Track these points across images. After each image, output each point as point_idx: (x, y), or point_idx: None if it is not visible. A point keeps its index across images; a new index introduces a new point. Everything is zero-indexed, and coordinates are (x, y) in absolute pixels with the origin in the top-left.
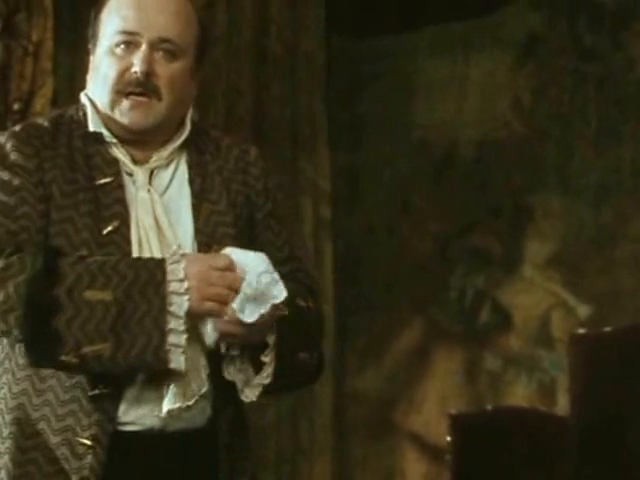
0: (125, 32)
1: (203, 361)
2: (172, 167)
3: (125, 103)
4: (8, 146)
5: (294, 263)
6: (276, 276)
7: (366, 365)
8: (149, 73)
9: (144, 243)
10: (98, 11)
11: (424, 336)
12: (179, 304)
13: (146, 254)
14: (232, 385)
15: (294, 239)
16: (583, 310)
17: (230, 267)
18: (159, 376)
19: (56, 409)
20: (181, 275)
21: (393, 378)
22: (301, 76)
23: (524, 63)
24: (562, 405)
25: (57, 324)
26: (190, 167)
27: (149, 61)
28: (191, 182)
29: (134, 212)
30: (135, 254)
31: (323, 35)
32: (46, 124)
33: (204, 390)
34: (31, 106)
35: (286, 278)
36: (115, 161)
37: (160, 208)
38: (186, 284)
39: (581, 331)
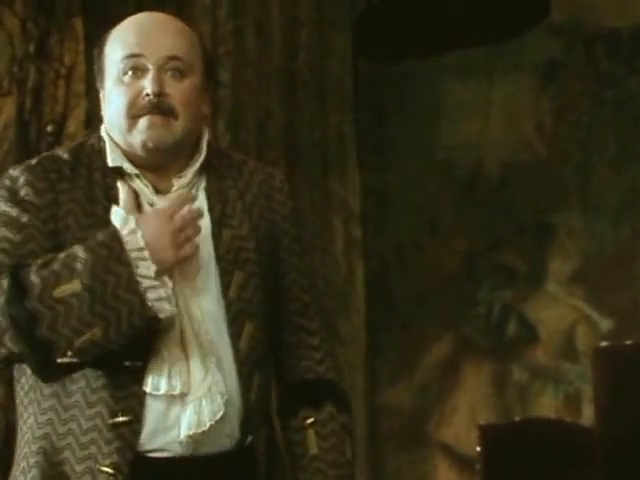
0: (131, 56)
1: (222, 387)
2: (191, 194)
3: (142, 122)
4: (21, 180)
5: (315, 317)
6: None
7: (398, 379)
8: (161, 94)
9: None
10: (101, 46)
11: (453, 350)
12: (146, 266)
13: (165, 283)
14: (263, 407)
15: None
16: (605, 324)
17: (180, 207)
18: (178, 403)
19: (79, 437)
20: (140, 244)
21: (424, 391)
22: (330, 99)
23: (545, 87)
24: (587, 416)
25: (42, 333)
26: (209, 194)
27: (159, 82)
28: (210, 209)
29: None
30: None
31: (350, 60)
32: (66, 156)
33: (220, 415)
34: (65, 128)
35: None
36: (134, 195)
37: None
38: (146, 253)
39: (604, 344)
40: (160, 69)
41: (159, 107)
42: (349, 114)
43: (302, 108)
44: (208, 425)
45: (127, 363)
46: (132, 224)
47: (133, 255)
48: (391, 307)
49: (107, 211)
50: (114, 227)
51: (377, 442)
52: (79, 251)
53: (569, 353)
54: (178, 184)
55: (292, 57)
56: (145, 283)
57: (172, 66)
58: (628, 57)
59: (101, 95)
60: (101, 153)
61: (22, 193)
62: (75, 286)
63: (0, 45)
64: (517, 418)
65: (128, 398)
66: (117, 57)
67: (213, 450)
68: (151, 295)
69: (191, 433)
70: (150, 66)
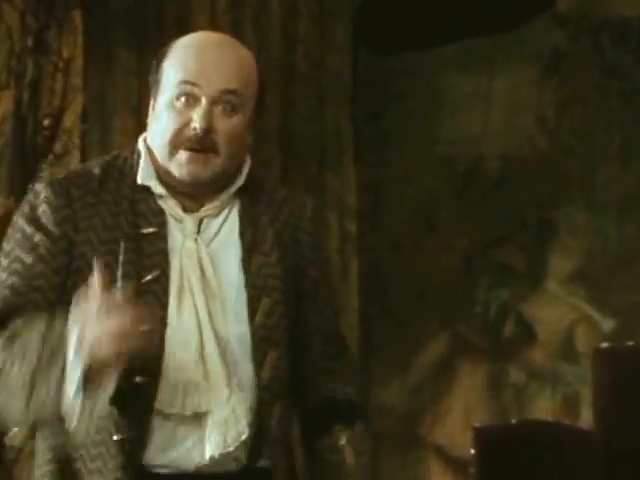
0: (186, 82)
1: (245, 409)
2: (222, 216)
3: (182, 155)
4: (41, 196)
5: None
6: None
7: (391, 378)
8: (208, 130)
9: (186, 291)
10: (161, 58)
11: (449, 349)
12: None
13: (187, 302)
14: (284, 437)
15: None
16: (607, 324)
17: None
18: (191, 421)
19: (90, 450)
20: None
21: (418, 391)
22: (328, 93)
23: (548, 78)
24: (586, 418)
25: None
26: (241, 218)
27: (209, 117)
28: (242, 234)
29: (178, 260)
30: (174, 304)
31: (350, 52)
32: (96, 170)
33: (245, 437)
34: (61, 122)
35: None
36: (161, 211)
37: (206, 258)
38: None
39: (605, 345)
40: (213, 103)
41: (203, 143)
42: (347, 107)
43: (299, 101)
44: (233, 447)
45: (138, 379)
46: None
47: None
48: (385, 305)
49: (132, 226)
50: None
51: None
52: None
53: (568, 354)
54: (209, 205)
55: (290, 49)
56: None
57: (225, 100)
58: (636, 47)
59: (151, 104)
60: (133, 168)
61: (39, 210)
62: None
63: None
64: (513, 420)
65: (136, 414)
66: (173, 80)
67: (216, 470)
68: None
69: (217, 454)
70: (203, 98)
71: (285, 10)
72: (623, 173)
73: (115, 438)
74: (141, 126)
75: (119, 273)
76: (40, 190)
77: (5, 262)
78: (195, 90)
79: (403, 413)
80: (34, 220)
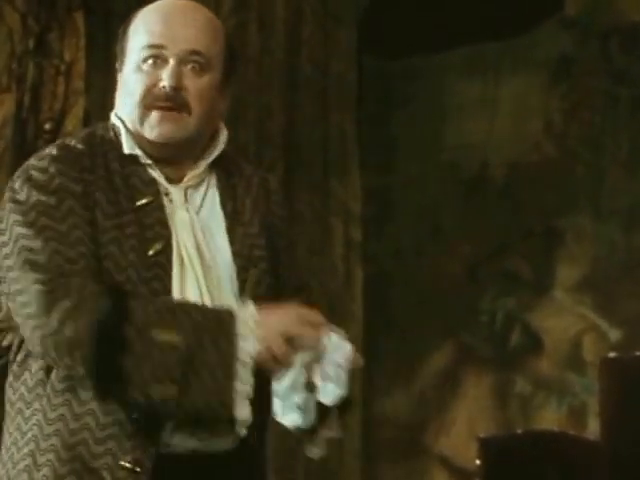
0: (152, 46)
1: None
2: (203, 188)
3: (154, 115)
4: (52, 170)
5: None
6: (343, 376)
7: (395, 388)
8: (178, 87)
9: (186, 264)
10: (125, 27)
11: (454, 359)
12: (249, 354)
13: (188, 274)
14: (259, 411)
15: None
16: (614, 334)
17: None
18: None
19: (95, 433)
20: (252, 330)
21: (422, 401)
22: (332, 97)
23: (556, 84)
24: (592, 429)
25: (126, 364)
26: (220, 190)
27: (178, 75)
28: (223, 205)
29: (174, 232)
30: (176, 275)
31: (354, 56)
32: (80, 146)
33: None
34: (63, 126)
35: None
36: (153, 181)
37: (199, 228)
38: (256, 343)
39: (612, 355)
40: (180, 62)
41: (173, 100)
42: (351, 112)
43: (303, 106)
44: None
45: None
46: (252, 310)
47: (241, 340)
48: (390, 313)
49: (129, 200)
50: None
51: (372, 453)
52: (191, 307)
53: (575, 364)
54: (191, 174)
55: (295, 53)
56: (240, 372)
57: (192, 60)
58: None
59: (118, 76)
60: (113, 143)
61: (57, 181)
62: (176, 339)
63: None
64: (519, 431)
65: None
66: (139, 44)
67: (220, 448)
68: (239, 387)
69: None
70: (171, 58)
71: (290, 14)
72: (631, 181)
73: (133, 416)
74: None
75: (126, 247)
76: (46, 165)
77: (31, 231)
78: (162, 52)
79: (407, 423)
80: (55, 191)
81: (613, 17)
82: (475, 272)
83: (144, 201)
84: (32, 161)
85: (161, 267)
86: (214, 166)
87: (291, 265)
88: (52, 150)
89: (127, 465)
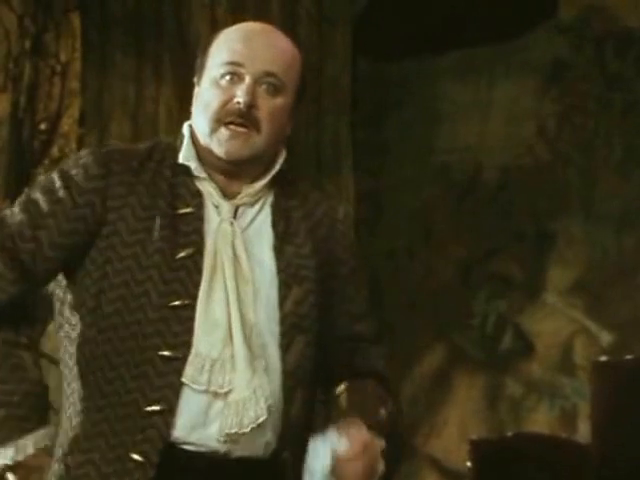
0: (231, 63)
1: (267, 392)
2: (257, 207)
3: (224, 132)
4: (80, 162)
5: (367, 332)
6: None
7: None
8: (251, 105)
9: (218, 272)
10: (207, 45)
11: (445, 361)
12: None
13: (219, 284)
14: (301, 425)
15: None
16: (606, 337)
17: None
18: (219, 400)
19: (114, 425)
20: None
21: (414, 403)
22: (326, 100)
23: (549, 88)
24: (583, 432)
25: None
26: (274, 210)
27: (252, 93)
28: (274, 225)
29: (212, 241)
30: (205, 282)
31: (349, 59)
32: (140, 150)
33: (262, 419)
34: (58, 126)
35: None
36: (199, 194)
37: (240, 241)
38: None
39: (604, 358)
40: (256, 82)
41: (246, 117)
42: (345, 115)
43: (298, 108)
44: (249, 428)
45: (166, 353)
46: None
47: None
48: (381, 315)
49: (169, 207)
50: None
51: None
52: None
53: (566, 367)
54: (245, 192)
55: None
56: None
57: (267, 81)
58: (639, 58)
59: (195, 91)
60: (175, 151)
61: (73, 172)
62: None
63: None
64: (509, 433)
65: (165, 387)
66: (219, 60)
67: (246, 454)
68: None
69: (232, 432)
70: (247, 76)
71: (285, 16)
72: (623, 185)
73: (145, 410)
74: (138, 130)
75: (152, 249)
76: (83, 156)
77: (23, 198)
78: (240, 70)
79: None
80: (66, 178)
81: (607, 22)
82: (467, 275)
83: (186, 210)
84: (83, 149)
85: (187, 271)
86: (273, 186)
87: (352, 294)
88: (107, 146)
89: (135, 457)
